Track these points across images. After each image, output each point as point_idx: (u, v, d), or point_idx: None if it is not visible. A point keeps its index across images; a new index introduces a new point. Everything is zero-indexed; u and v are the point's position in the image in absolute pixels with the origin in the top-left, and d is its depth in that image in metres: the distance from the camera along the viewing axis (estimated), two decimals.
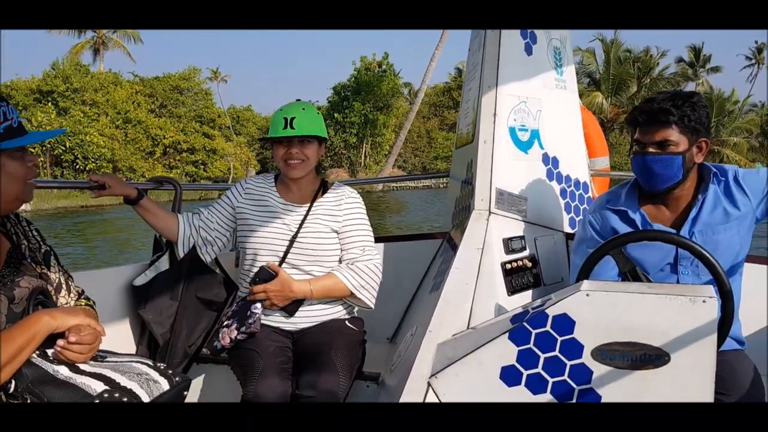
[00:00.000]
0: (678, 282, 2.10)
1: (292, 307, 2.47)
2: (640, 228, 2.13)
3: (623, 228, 2.16)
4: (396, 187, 33.68)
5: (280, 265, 2.46)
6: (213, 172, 36.35)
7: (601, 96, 42.28)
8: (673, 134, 2.02)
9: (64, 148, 30.04)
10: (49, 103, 32.52)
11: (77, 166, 30.45)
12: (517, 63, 2.79)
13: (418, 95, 37.46)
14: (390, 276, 2.78)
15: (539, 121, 2.83)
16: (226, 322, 2.46)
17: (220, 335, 2.43)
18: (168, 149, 35.47)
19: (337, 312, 2.55)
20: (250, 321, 2.39)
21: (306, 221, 2.50)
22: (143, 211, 2.51)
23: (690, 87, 47.18)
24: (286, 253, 2.47)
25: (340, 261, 2.55)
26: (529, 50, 2.85)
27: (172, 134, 35.36)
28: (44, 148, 29.78)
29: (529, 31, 2.86)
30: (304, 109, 2.49)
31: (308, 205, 2.54)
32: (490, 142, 2.66)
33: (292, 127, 2.44)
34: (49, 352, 1.53)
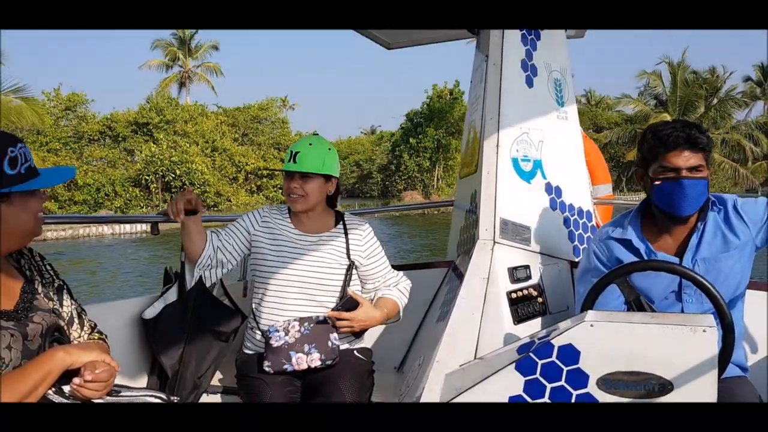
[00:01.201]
0: (683, 310, 2.13)
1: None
2: (645, 257, 2.16)
3: (628, 257, 2.19)
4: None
5: (293, 293, 2.49)
6: None
7: (669, 117, 42.37)
8: (702, 159, 2.06)
9: (174, 176, 32.42)
10: (168, 134, 35.16)
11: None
12: (519, 95, 2.85)
13: None
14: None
15: (541, 151, 2.87)
16: (303, 347, 2.41)
17: (294, 360, 2.39)
18: (249, 175, 37.57)
19: (345, 341, 2.58)
20: (331, 353, 2.41)
21: (319, 252, 2.54)
22: (193, 225, 2.50)
23: (759, 107, 46.77)
24: (298, 282, 2.50)
25: (365, 289, 2.64)
26: (530, 83, 2.91)
27: (254, 161, 37.38)
28: (157, 176, 32.44)
29: (530, 63, 2.92)
30: (311, 144, 2.53)
31: (320, 235, 2.58)
32: (493, 173, 2.71)
33: (295, 162, 2.49)
34: (65, 388, 1.56)
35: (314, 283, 2.50)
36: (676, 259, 2.13)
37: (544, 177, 2.87)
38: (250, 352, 2.57)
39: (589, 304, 2.01)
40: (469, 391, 1.71)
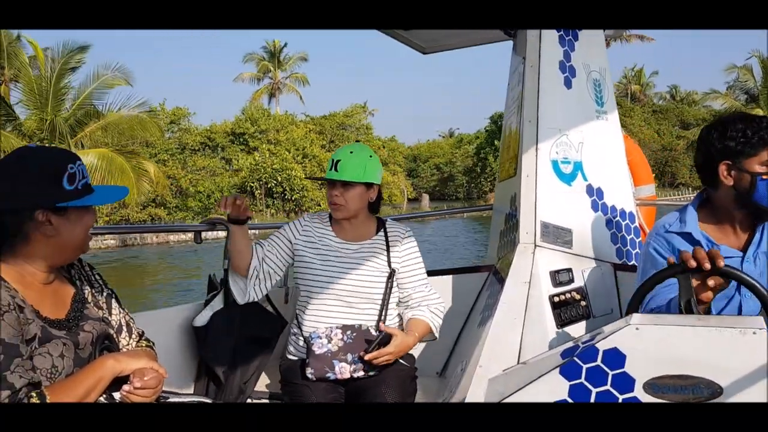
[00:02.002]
0: (741, 306, 2.08)
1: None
2: (706, 250, 2.11)
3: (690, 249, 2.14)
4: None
5: (334, 301, 2.50)
6: None
7: (761, 111, 41.55)
8: None
9: (275, 182, 34.76)
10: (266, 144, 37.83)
11: (285, 197, 35.34)
12: (557, 97, 2.82)
13: None
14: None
15: (582, 152, 2.84)
16: (347, 357, 2.41)
17: (337, 368, 2.39)
18: None
19: None
20: (374, 364, 2.39)
21: (359, 260, 2.54)
22: (242, 233, 2.53)
23: None
24: (340, 290, 2.51)
25: (401, 300, 2.60)
26: (568, 84, 2.88)
27: None
28: (260, 183, 34.89)
29: (568, 65, 2.89)
30: (352, 152, 2.53)
31: (362, 243, 2.59)
32: (533, 176, 2.68)
33: (336, 170, 2.50)
34: (116, 395, 1.60)
35: (355, 291, 2.51)
36: (739, 253, 2.09)
37: (585, 179, 2.84)
38: (294, 357, 2.59)
39: (638, 301, 1.97)
40: (513, 395, 1.69)
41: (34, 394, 1.40)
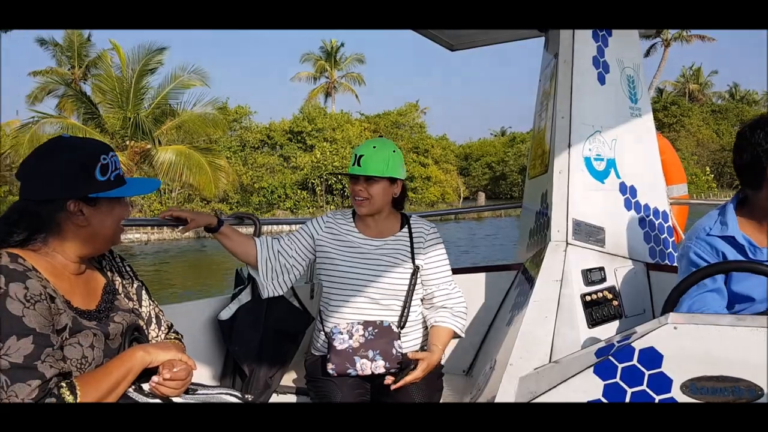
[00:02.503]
0: None
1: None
2: (749, 254, 2.05)
3: (733, 254, 2.08)
4: None
5: (357, 297, 2.49)
6: (428, 198, 40.81)
7: None
8: None
9: (335, 179, 35.89)
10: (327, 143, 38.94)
11: (345, 193, 36.37)
12: (591, 93, 2.78)
13: None
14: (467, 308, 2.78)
15: (615, 150, 2.79)
16: (368, 353, 2.39)
17: (359, 365, 2.37)
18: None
19: (414, 345, 2.56)
20: (395, 361, 2.38)
21: (383, 256, 2.52)
22: (223, 238, 2.55)
23: None
24: (363, 286, 2.49)
25: (423, 299, 2.58)
26: (602, 80, 2.83)
27: None
28: (321, 180, 35.96)
29: (601, 60, 2.84)
30: (375, 147, 2.51)
31: (386, 239, 2.57)
32: (565, 173, 2.64)
33: (359, 165, 2.48)
34: (144, 386, 1.59)
35: (379, 287, 2.49)
36: None
37: (618, 176, 2.79)
38: (318, 353, 2.58)
39: (674, 301, 1.93)
40: (545, 394, 1.66)
41: (64, 384, 1.40)
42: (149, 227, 25.15)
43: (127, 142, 25.17)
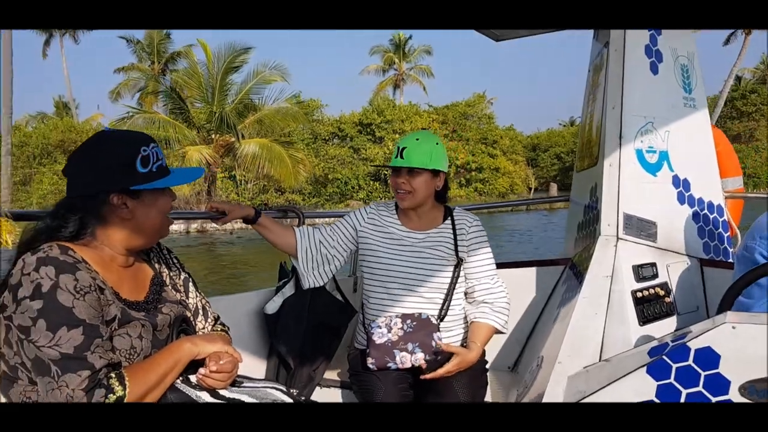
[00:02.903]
0: None
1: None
2: None
3: None
4: None
5: (399, 290, 2.46)
6: (498, 189, 41.14)
7: None
8: None
9: None
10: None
11: None
12: (643, 82, 2.69)
13: (716, 109, 38.52)
14: (510, 303, 2.73)
15: (668, 142, 2.71)
16: (407, 346, 2.35)
17: (398, 358, 2.34)
18: (459, 169, 40.54)
19: (457, 340, 2.52)
20: (436, 352, 2.35)
21: (426, 249, 2.49)
22: (262, 229, 2.54)
23: None
24: (405, 279, 2.47)
25: (466, 293, 2.54)
26: (654, 69, 2.75)
27: (463, 155, 40.42)
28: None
29: (654, 49, 2.75)
30: (418, 139, 2.48)
31: (428, 232, 2.54)
32: (616, 166, 2.57)
33: (402, 157, 2.45)
34: (192, 378, 1.60)
35: (420, 280, 2.46)
36: None
37: (671, 169, 2.70)
38: (360, 347, 2.57)
39: (731, 300, 1.85)
40: (595, 394, 1.61)
41: (113, 375, 1.42)
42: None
43: (213, 136, 26.69)
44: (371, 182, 36.31)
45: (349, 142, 39.44)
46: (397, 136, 37.90)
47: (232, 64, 26.77)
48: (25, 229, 1.60)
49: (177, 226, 27.12)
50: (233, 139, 26.43)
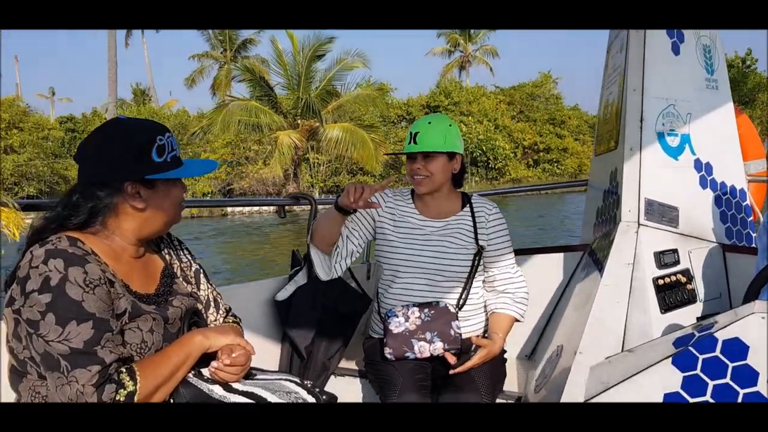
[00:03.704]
0: None
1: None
2: None
3: None
4: None
5: (416, 279, 2.42)
6: (567, 169, 41.14)
7: None
8: None
9: (480, 151, 37.53)
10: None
11: (489, 165, 38.49)
12: (664, 64, 2.62)
13: None
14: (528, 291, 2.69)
15: (690, 125, 2.64)
16: (425, 335, 2.33)
17: (417, 347, 2.32)
18: (527, 150, 41.09)
19: (477, 329, 2.48)
20: (454, 342, 2.32)
21: (444, 238, 2.44)
22: (341, 220, 2.39)
23: None
24: (423, 268, 2.43)
25: (485, 281, 2.51)
26: (676, 50, 2.67)
27: (530, 136, 40.81)
28: (467, 152, 36.76)
29: (676, 29, 2.68)
30: (430, 122, 2.43)
31: (447, 220, 2.49)
32: (636, 149, 2.51)
33: (415, 143, 2.40)
34: (204, 371, 1.58)
35: (439, 269, 2.42)
36: None
37: (693, 153, 2.64)
38: (376, 336, 2.54)
39: (757, 288, 1.80)
40: (619, 386, 1.57)
41: (123, 370, 1.39)
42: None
43: (298, 121, 28.00)
44: None
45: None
46: (464, 117, 38.34)
47: (317, 52, 28.15)
48: (34, 218, 1.57)
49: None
50: (317, 124, 27.61)
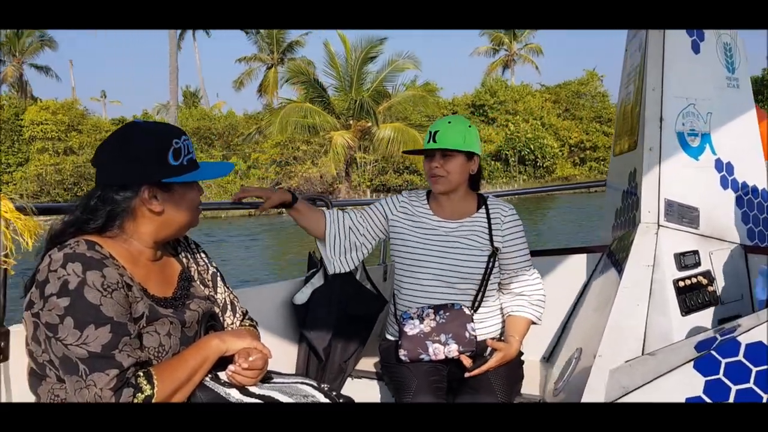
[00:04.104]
0: None
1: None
2: None
3: None
4: None
5: (431, 281, 2.41)
6: None
7: None
8: None
9: (528, 150, 37.65)
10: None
11: (537, 164, 38.39)
12: (684, 62, 2.59)
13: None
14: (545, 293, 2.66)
15: (710, 124, 2.60)
16: (440, 337, 2.32)
17: (431, 350, 2.31)
18: (573, 148, 41.21)
19: (493, 332, 2.46)
20: (469, 344, 2.30)
21: (459, 239, 2.43)
22: (296, 214, 2.48)
23: None
24: (437, 270, 2.41)
25: (500, 284, 2.48)
26: (696, 48, 2.64)
27: (577, 134, 40.86)
28: (515, 151, 37.92)
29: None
30: (450, 122, 2.42)
31: (462, 221, 2.47)
32: (656, 149, 2.48)
33: (434, 141, 2.39)
34: (221, 374, 1.58)
35: (454, 270, 2.40)
36: None
37: (714, 152, 2.60)
38: (392, 338, 2.52)
39: None
40: (639, 390, 1.54)
41: (141, 374, 1.39)
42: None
43: (351, 122, 28.93)
44: (492, 162, 37.13)
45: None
46: (510, 116, 38.82)
47: (369, 54, 29.19)
48: (53, 222, 1.58)
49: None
50: (369, 124, 28.54)
